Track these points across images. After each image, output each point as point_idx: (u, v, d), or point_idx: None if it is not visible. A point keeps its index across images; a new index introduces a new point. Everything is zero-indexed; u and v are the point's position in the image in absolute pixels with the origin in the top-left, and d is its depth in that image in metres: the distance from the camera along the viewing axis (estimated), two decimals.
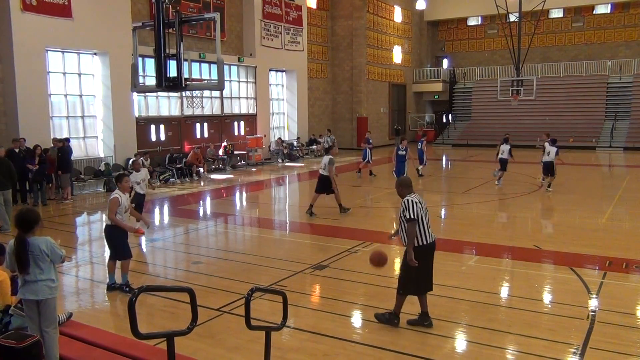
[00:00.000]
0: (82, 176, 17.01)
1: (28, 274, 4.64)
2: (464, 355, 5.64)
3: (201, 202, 16.06)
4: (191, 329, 4.14)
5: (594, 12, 35.45)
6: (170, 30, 7.46)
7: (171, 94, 20.01)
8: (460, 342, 5.92)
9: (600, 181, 20.12)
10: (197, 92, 19.45)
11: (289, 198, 17.42)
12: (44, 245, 4.68)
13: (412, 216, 5.86)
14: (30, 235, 4.69)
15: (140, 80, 17.73)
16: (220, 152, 22.84)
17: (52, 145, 15.15)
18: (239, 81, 24.69)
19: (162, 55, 7.35)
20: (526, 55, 28.55)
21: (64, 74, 17.29)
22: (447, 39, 40.57)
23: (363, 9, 31.65)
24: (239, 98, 24.83)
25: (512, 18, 28.68)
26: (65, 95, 17.41)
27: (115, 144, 18.17)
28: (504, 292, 7.58)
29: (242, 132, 24.89)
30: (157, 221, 12.79)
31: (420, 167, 19.35)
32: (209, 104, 23.09)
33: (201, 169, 20.42)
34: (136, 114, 19.44)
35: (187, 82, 7.56)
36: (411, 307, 6.27)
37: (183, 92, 16.13)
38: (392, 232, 6.87)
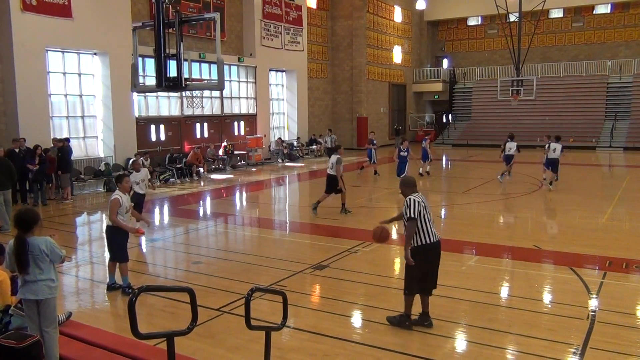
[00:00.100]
0: (82, 176, 17.01)
1: (28, 274, 4.64)
2: (464, 355, 5.63)
3: (201, 202, 16.06)
4: (191, 329, 4.14)
5: (594, 12, 35.44)
6: (170, 30, 7.46)
7: (171, 94, 20.01)
8: (460, 342, 5.92)
9: (601, 181, 20.12)
10: (197, 92, 19.45)
11: (288, 198, 17.41)
12: (44, 245, 4.68)
13: (412, 215, 5.86)
14: (30, 235, 4.68)
15: (140, 80, 17.74)
16: (220, 152, 22.84)
17: (52, 145, 15.16)
18: (239, 81, 24.68)
19: (162, 55, 7.35)
20: (526, 55, 28.51)
21: (64, 74, 17.29)
22: (447, 39, 40.56)
23: (363, 9, 31.63)
24: (239, 98, 24.82)
25: (512, 18, 28.64)
26: (65, 95, 17.41)
27: (115, 144, 18.18)
28: (504, 292, 7.57)
29: (242, 132, 24.88)
30: (157, 221, 12.79)
31: (426, 167, 19.41)
32: (209, 104, 23.08)
33: (201, 169, 20.42)
34: (136, 114, 19.45)
35: (187, 82, 7.56)
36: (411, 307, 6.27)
37: (183, 92, 16.11)
38: (386, 219, 6.88)
